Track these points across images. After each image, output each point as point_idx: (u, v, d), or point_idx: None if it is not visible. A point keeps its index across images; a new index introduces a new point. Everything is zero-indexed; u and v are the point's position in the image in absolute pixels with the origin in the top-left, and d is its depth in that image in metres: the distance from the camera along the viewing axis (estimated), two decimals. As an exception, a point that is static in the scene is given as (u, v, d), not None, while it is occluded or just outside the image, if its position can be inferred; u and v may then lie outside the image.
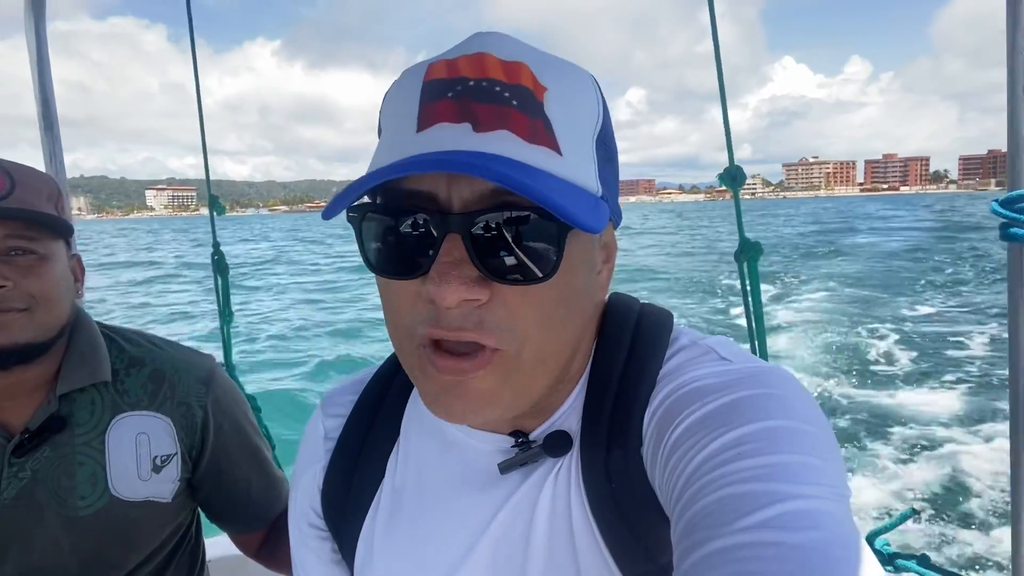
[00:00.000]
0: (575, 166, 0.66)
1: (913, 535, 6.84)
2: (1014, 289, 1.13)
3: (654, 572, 0.72)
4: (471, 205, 0.63)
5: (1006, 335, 1.19)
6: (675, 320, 0.84)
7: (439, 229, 0.63)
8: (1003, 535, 6.86)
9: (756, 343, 1.68)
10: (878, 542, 1.46)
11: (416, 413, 0.89)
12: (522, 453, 0.78)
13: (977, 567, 6.35)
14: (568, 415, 0.79)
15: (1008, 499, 1.16)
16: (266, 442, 1.57)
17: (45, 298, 1.22)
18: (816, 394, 11.94)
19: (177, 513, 1.42)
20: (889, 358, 14.03)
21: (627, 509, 0.72)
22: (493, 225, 0.63)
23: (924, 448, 9.41)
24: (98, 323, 1.42)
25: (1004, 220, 1.13)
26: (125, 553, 1.36)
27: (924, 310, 19.15)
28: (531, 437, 0.79)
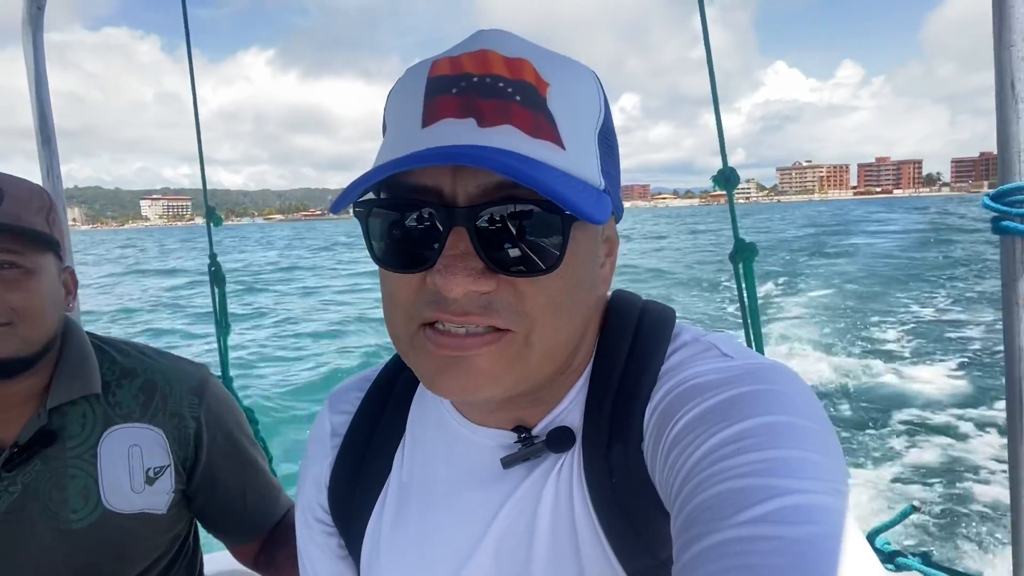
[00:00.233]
0: (578, 160, 0.67)
1: (914, 531, 6.86)
2: (1007, 282, 1.13)
3: (655, 567, 0.73)
4: (476, 199, 0.64)
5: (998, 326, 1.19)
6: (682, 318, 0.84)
7: (445, 222, 0.64)
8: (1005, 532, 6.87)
9: (753, 344, 1.67)
10: (879, 540, 1.46)
11: (421, 409, 0.90)
12: (525, 448, 0.78)
13: (979, 560, 6.35)
14: (570, 410, 0.80)
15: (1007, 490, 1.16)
16: (262, 452, 1.57)
17: (29, 313, 1.21)
18: (821, 381, 12.25)
19: (173, 524, 1.41)
20: (892, 349, 14.49)
21: (628, 504, 0.73)
22: (498, 218, 0.64)
23: (925, 432, 9.64)
24: (90, 334, 1.41)
25: (995, 214, 1.13)
26: (120, 566, 1.35)
27: (926, 308, 19.59)
28: (534, 432, 0.80)
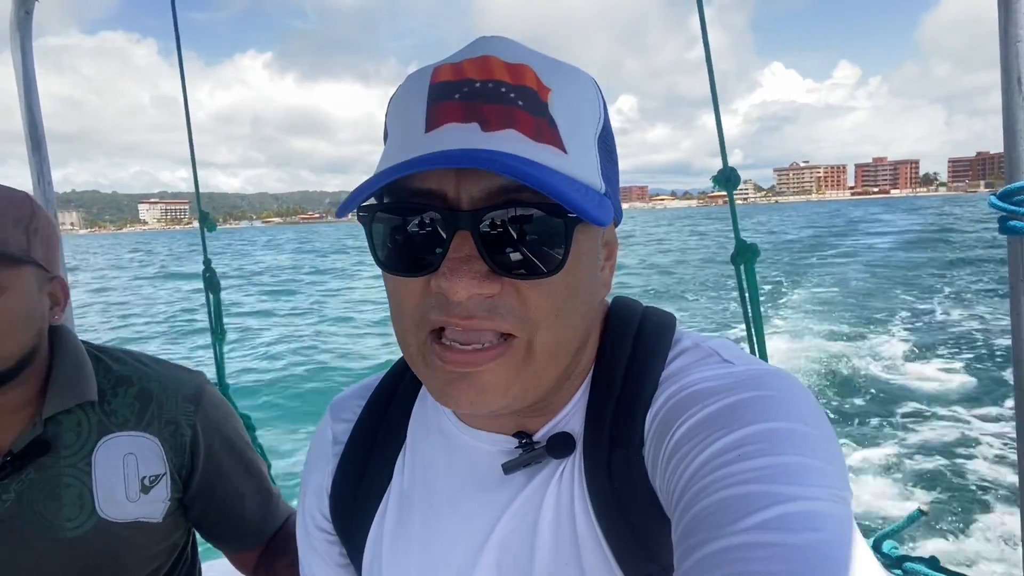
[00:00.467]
0: (580, 164, 0.68)
1: (921, 531, 6.85)
2: (1015, 283, 1.11)
3: (656, 572, 0.73)
4: (479, 202, 0.64)
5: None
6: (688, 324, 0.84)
7: (449, 226, 0.64)
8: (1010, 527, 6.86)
9: (755, 345, 1.66)
10: (886, 545, 1.44)
11: (422, 416, 0.90)
12: (526, 454, 0.78)
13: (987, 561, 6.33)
14: (571, 416, 0.80)
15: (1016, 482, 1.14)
16: (260, 459, 1.55)
17: None
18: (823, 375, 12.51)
19: (169, 533, 1.39)
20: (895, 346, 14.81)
21: (629, 509, 0.73)
22: (501, 222, 0.64)
23: (928, 429, 9.77)
24: (85, 343, 1.39)
25: (1003, 213, 1.11)
26: (115, 574, 1.33)
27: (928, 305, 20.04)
28: (535, 438, 0.80)
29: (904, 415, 10.66)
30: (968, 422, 10.18)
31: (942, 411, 10.75)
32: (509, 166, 0.60)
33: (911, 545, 6.33)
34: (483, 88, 0.66)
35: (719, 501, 0.58)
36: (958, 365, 13.07)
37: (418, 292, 0.68)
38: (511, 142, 0.63)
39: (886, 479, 8.49)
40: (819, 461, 0.60)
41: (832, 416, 10.82)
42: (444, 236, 0.65)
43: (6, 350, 1.20)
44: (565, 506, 0.77)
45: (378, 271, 0.72)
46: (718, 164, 1.71)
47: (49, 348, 1.32)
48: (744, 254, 1.62)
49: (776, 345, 14.73)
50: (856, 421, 10.56)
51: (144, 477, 1.32)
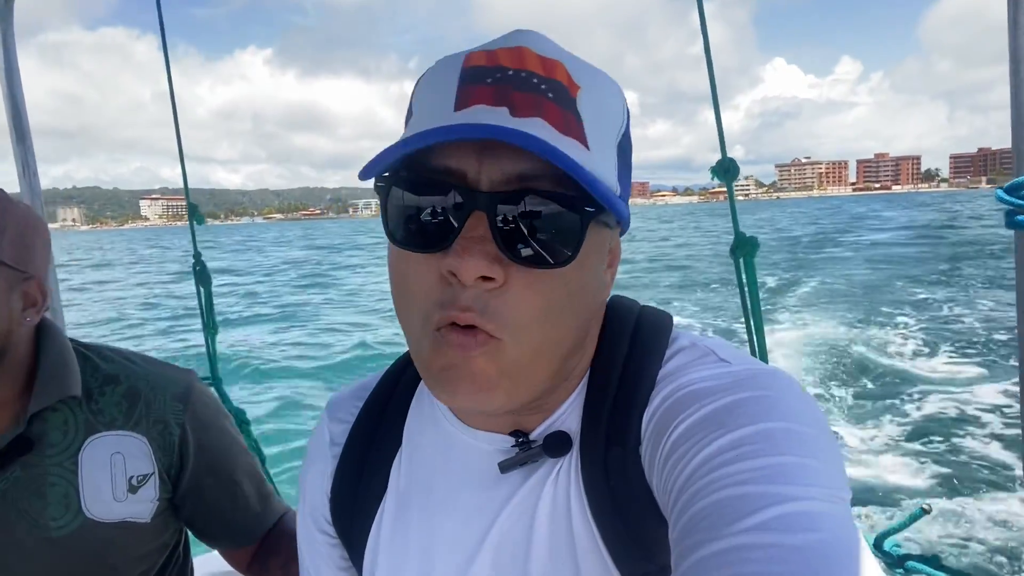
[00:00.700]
0: (600, 162, 0.68)
1: (924, 526, 6.85)
2: (1021, 277, 1.09)
3: (653, 572, 0.73)
4: (499, 185, 0.65)
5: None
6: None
7: (466, 205, 0.65)
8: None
9: (755, 339, 1.63)
10: (887, 543, 1.42)
11: (418, 415, 0.90)
12: (522, 453, 0.78)
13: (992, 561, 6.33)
14: (568, 415, 0.79)
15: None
16: (252, 456, 1.53)
17: None
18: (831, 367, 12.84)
19: (159, 533, 1.38)
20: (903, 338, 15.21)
21: (625, 508, 0.73)
22: (519, 207, 0.65)
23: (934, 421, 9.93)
24: (73, 340, 1.37)
25: (1009, 207, 1.09)
26: (103, 574, 1.32)
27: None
28: (531, 437, 0.79)
29: (908, 398, 11.00)
30: (974, 412, 10.36)
31: (947, 399, 11.00)
32: (540, 144, 0.60)
33: (914, 543, 6.32)
34: (515, 76, 0.67)
35: (717, 502, 0.58)
36: (966, 357, 13.38)
37: (425, 274, 0.68)
38: (538, 129, 0.63)
39: (896, 456, 8.74)
40: (817, 461, 0.60)
41: (841, 399, 11.26)
42: (460, 215, 0.65)
43: None
44: (561, 505, 0.76)
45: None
46: (720, 157, 1.68)
47: (36, 346, 1.30)
48: (744, 247, 1.59)
49: (785, 336, 15.28)
50: (864, 404, 10.86)
51: (132, 477, 1.31)
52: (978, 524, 7.12)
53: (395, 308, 0.73)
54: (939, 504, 7.56)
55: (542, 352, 0.69)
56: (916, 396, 11.20)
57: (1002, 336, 14.65)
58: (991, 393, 11.04)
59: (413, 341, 0.72)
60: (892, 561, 1.40)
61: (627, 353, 0.79)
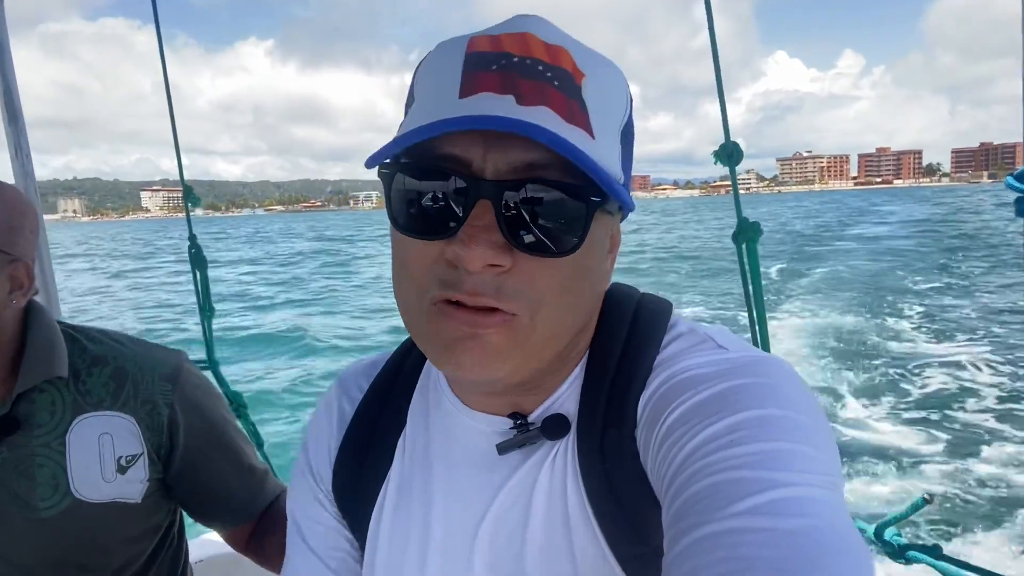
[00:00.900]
0: (605, 151, 0.68)
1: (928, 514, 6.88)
2: None
3: (647, 554, 0.73)
4: (504, 174, 0.65)
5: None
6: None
7: (471, 194, 0.65)
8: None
9: (756, 326, 1.62)
10: (888, 533, 1.41)
11: (423, 396, 0.90)
12: (520, 435, 0.79)
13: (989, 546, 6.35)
14: (566, 397, 0.80)
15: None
16: (246, 437, 1.53)
17: None
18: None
19: (151, 515, 1.38)
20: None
21: (620, 491, 0.74)
22: (525, 196, 0.65)
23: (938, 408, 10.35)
24: (61, 322, 1.38)
25: (1020, 195, 1.07)
26: (94, 556, 1.32)
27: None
28: (530, 419, 0.80)
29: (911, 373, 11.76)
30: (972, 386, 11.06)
31: (946, 375, 11.78)
32: (550, 135, 0.60)
33: (915, 532, 6.33)
34: (520, 63, 0.66)
35: (710, 486, 0.58)
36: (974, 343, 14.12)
37: (428, 258, 0.68)
38: (544, 118, 0.63)
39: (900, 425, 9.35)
40: (811, 448, 0.60)
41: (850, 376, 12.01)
42: (465, 203, 0.65)
43: None
44: (558, 487, 0.77)
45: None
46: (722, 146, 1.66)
47: (23, 329, 1.30)
48: (746, 232, 1.58)
49: (792, 323, 16.16)
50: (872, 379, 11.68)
51: (120, 457, 1.31)
52: (970, 480, 7.84)
53: (394, 290, 0.74)
54: (936, 468, 8.10)
55: (554, 330, 0.70)
56: (918, 372, 12.06)
57: (1000, 317, 15.86)
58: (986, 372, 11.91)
59: (410, 318, 0.72)
60: (892, 551, 1.39)
61: (626, 338, 0.80)
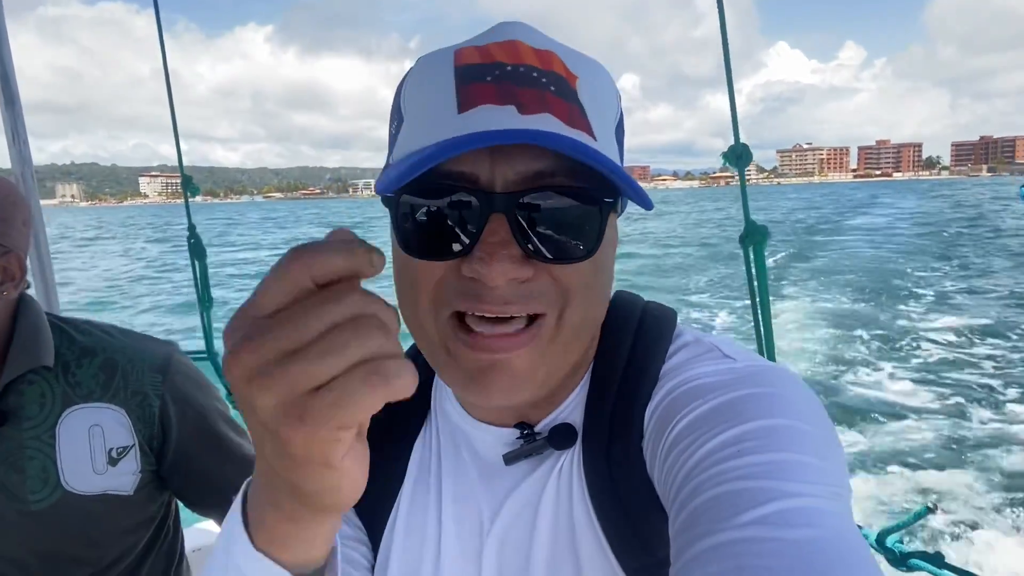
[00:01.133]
0: (606, 151, 0.67)
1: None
2: None
3: (652, 565, 0.73)
4: (514, 186, 0.64)
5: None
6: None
7: (483, 209, 0.64)
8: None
9: (761, 329, 1.60)
10: (890, 540, 1.40)
11: (438, 407, 0.89)
12: (527, 445, 0.79)
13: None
14: (573, 408, 0.80)
15: None
16: (239, 427, 1.52)
17: None
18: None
19: (144, 507, 1.37)
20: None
21: (627, 501, 0.73)
22: (537, 205, 0.64)
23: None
24: (49, 314, 1.37)
25: None
26: (87, 549, 1.32)
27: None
28: (536, 429, 0.80)
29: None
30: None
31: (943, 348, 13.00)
32: (573, 143, 0.60)
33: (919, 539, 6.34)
34: (515, 72, 0.66)
35: (717, 496, 0.58)
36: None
37: (439, 275, 0.67)
38: (547, 125, 0.63)
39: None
40: (818, 459, 0.60)
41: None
42: (478, 219, 0.64)
43: None
44: (564, 496, 0.77)
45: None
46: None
47: (13, 319, 1.30)
48: (754, 235, 1.56)
49: (792, 316, 16.60)
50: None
51: (111, 449, 1.31)
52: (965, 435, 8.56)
53: (403, 314, 0.73)
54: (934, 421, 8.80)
55: (579, 327, 0.70)
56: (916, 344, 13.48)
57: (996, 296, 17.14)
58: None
59: (427, 343, 0.72)
60: (895, 558, 1.39)
61: (631, 347, 0.79)
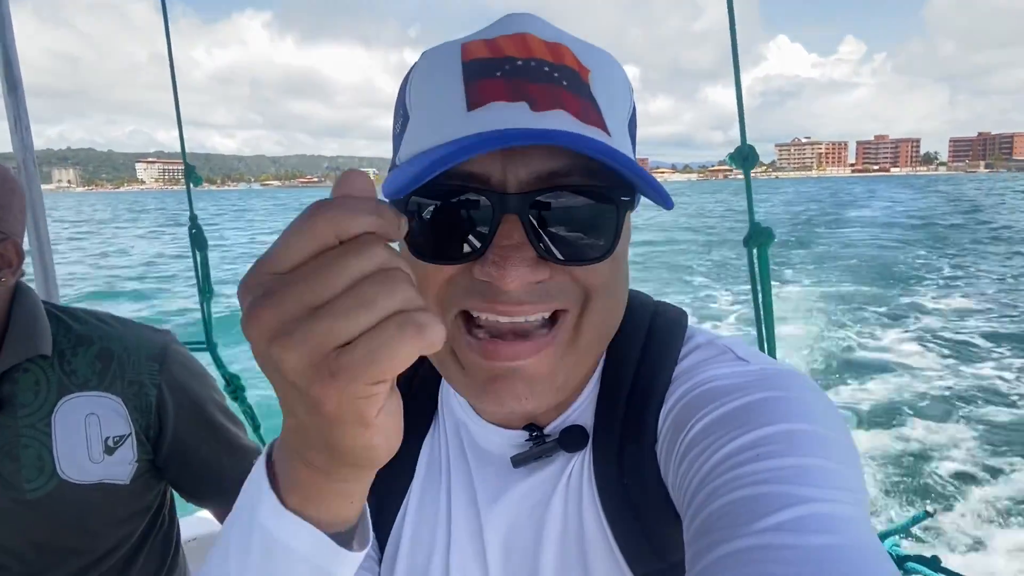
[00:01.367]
0: (620, 147, 0.65)
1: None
2: None
3: (664, 570, 0.72)
4: (527, 186, 0.62)
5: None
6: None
7: (496, 210, 0.61)
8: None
9: (764, 331, 1.60)
10: (887, 544, 1.40)
11: (445, 406, 0.88)
12: (536, 447, 0.77)
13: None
14: (583, 409, 0.79)
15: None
16: (235, 418, 1.52)
17: None
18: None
19: (140, 496, 1.37)
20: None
21: (638, 506, 0.72)
22: (552, 205, 0.62)
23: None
24: (46, 303, 1.36)
25: None
26: (83, 538, 1.31)
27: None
28: (546, 431, 0.79)
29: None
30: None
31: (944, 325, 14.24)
32: (592, 143, 0.57)
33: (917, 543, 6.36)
34: (526, 67, 0.63)
35: (734, 501, 0.57)
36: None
37: (446, 276, 0.65)
38: (561, 122, 0.61)
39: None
40: (836, 463, 0.59)
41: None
42: (490, 221, 0.62)
43: None
44: (573, 499, 0.76)
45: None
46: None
47: (9, 307, 1.29)
48: (758, 237, 1.55)
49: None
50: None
51: (108, 438, 1.30)
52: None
53: None
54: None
55: (601, 326, 0.69)
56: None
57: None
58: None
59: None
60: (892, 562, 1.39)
61: (642, 348, 0.78)
